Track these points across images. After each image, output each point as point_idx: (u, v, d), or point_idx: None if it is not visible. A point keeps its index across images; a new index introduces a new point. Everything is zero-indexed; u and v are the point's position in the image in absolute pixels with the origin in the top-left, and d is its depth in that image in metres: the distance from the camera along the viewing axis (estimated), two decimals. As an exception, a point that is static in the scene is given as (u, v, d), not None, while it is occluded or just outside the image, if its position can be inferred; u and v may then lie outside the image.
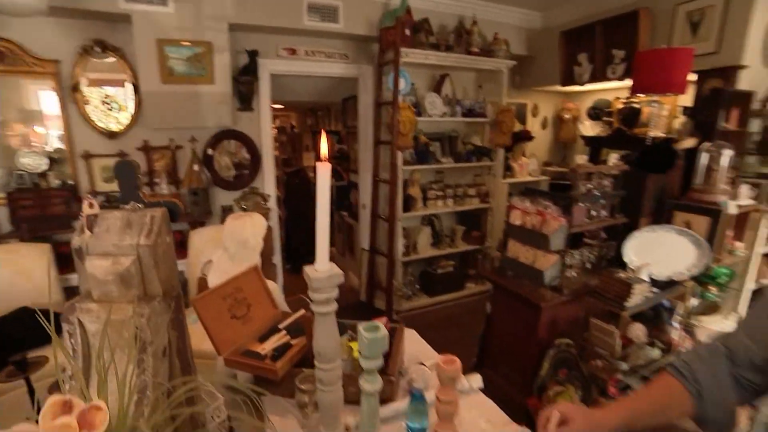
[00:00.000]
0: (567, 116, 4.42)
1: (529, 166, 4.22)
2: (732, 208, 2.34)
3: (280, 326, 1.24)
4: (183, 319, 0.76)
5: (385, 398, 1.09)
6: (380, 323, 0.63)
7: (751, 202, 2.47)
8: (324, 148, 0.68)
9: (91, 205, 0.70)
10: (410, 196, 3.43)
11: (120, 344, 0.66)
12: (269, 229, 2.76)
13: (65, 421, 0.38)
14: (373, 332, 0.59)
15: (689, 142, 2.62)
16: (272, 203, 3.14)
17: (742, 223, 2.49)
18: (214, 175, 2.97)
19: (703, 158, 2.46)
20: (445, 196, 3.61)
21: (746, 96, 2.62)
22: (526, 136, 4.12)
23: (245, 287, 1.24)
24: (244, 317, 1.21)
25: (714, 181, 2.44)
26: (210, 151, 2.91)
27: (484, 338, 2.64)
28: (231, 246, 1.32)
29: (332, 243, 4.72)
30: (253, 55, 2.92)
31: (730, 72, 2.56)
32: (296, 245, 4.66)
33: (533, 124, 4.46)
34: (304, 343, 1.15)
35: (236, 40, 2.86)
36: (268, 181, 3.21)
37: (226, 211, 3.00)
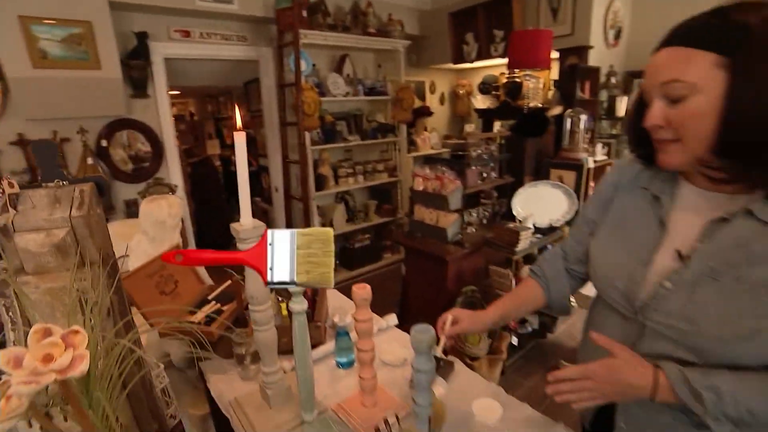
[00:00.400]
0: (461, 92, 4.82)
1: (431, 140, 4.55)
2: (590, 163, 2.83)
3: (209, 297, 1.31)
4: (121, 284, 0.82)
5: (315, 343, 1.24)
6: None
7: (604, 157, 3.01)
8: (239, 119, 0.79)
9: (11, 185, 0.73)
10: (321, 175, 3.54)
11: (62, 310, 0.72)
12: (182, 220, 2.70)
13: (52, 341, 0.46)
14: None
15: (557, 110, 3.07)
16: (181, 193, 3.05)
17: (599, 174, 3.02)
18: (113, 168, 2.79)
19: (568, 123, 2.93)
20: (356, 173, 3.78)
21: (594, 71, 3.15)
22: (425, 112, 4.43)
23: (170, 265, 1.29)
24: (173, 293, 1.26)
25: (577, 142, 2.92)
26: (104, 143, 2.73)
27: (402, 300, 2.90)
28: (149, 229, 1.34)
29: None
30: (141, 37, 2.76)
31: (582, 51, 3.05)
32: (212, 236, 4.52)
33: (432, 101, 4.79)
34: (234, 307, 1.25)
35: (121, 20, 2.68)
36: (173, 172, 3.09)
37: (131, 205, 2.85)
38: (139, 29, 2.76)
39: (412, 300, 2.84)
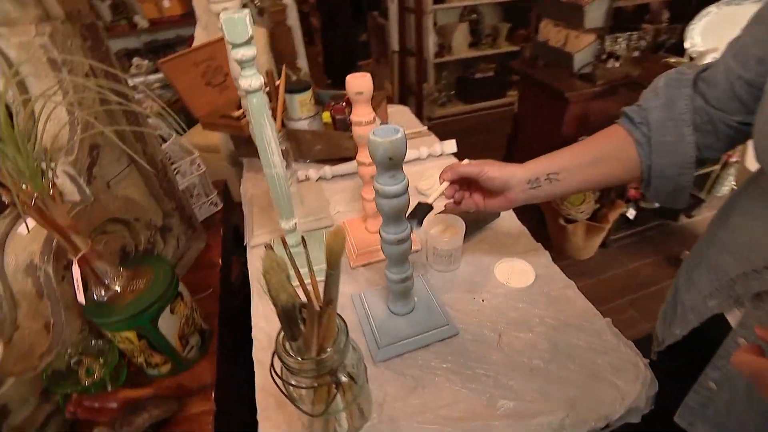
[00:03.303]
0: None
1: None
2: None
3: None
4: (106, 50, 0.75)
5: (352, 155, 1.12)
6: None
7: None
8: None
9: None
10: (445, -18, 2.95)
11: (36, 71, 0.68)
12: (288, 30, 2.53)
13: None
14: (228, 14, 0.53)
15: None
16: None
17: None
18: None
19: None
20: (489, -18, 3.07)
21: None
22: None
23: (219, 56, 1.21)
24: (221, 85, 1.21)
25: None
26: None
27: (510, 138, 2.57)
28: (202, 15, 1.24)
29: (368, 50, 4.40)
30: None
31: None
32: (339, 58, 4.35)
33: None
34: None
35: None
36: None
37: None
38: None
39: (520, 142, 2.49)
